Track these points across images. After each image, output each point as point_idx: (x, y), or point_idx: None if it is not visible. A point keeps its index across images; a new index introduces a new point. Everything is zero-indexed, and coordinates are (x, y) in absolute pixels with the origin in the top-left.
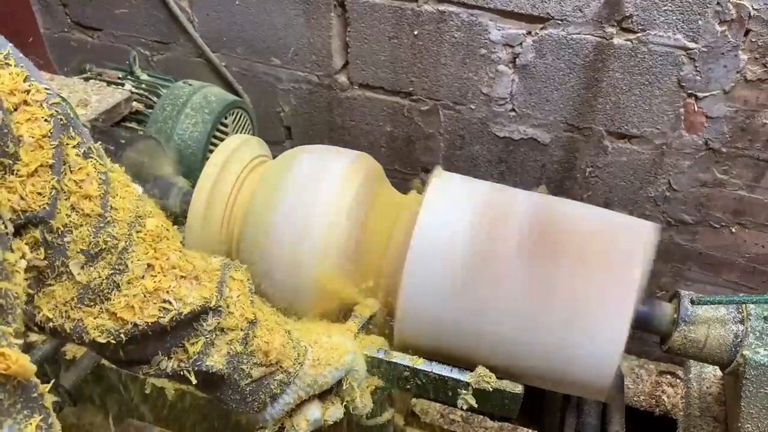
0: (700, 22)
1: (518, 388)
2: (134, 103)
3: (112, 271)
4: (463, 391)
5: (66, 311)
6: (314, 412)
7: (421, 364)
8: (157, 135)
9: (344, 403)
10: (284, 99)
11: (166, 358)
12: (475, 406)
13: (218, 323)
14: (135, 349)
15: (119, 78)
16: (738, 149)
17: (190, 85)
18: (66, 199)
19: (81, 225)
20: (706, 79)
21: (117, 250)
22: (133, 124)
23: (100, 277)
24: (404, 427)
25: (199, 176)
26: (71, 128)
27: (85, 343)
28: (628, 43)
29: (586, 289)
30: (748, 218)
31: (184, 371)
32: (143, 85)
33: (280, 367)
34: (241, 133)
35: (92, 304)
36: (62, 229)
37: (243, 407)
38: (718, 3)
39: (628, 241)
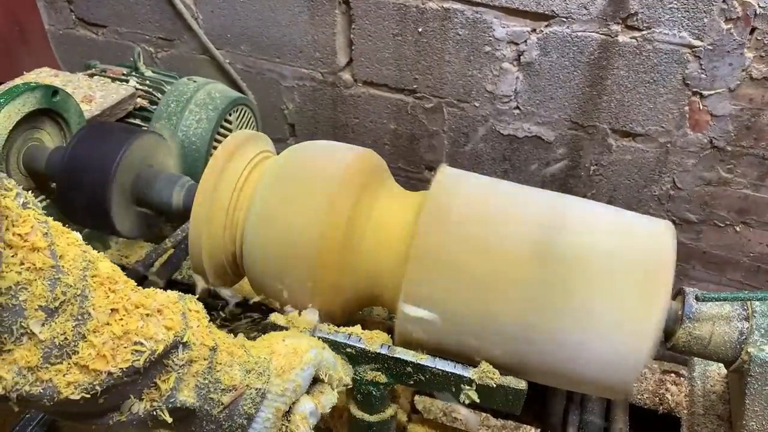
0: (705, 19)
1: (522, 385)
2: (138, 100)
3: (76, 322)
4: (466, 387)
5: (32, 374)
6: (307, 405)
7: (424, 359)
8: (161, 131)
9: (336, 388)
10: (288, 96)
11: (138, 400)
12: (477, 401)
13: (188, 356)
14: (108, 399)
15: (124, 74)
16: (743, 148)
17: (195, 81)
18: (13, 256)
19: (35, 280)
20: (711, 78)
21: (76, 299)
22: (138, 121)
23: (64, 331)
24: (407, 424)
25: (203, 171)
26: (4, 180)
27: (55, 403)
28: (633, 40)
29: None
30: (753, 217)
31: (157, 410)
32: (147, 82)
33: (248, 386)
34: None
35: (60, 360)
36: (14, 288)
37: None
38: (723, 1)
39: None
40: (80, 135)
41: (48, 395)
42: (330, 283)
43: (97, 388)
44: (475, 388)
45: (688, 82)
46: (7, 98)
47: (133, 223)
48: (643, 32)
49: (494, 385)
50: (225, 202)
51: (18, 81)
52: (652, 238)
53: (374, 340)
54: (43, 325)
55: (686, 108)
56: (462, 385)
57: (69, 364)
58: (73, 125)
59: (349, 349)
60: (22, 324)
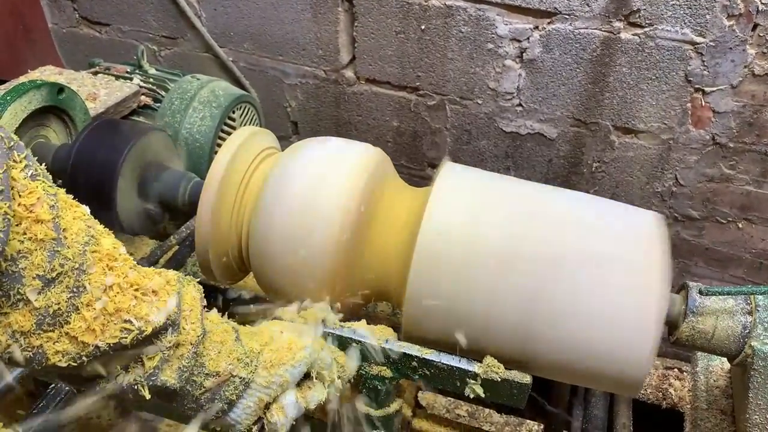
0: (707, 16)
1: (526, 378)
2: (142, 97)
3: (71, 294)
4: (471, 381)
5: (25, 338)
6: (288, 396)
7: (429, 354)
8: (164, 128)
9: (326, 387)
10: (291, 94)
11: (124, 372)
12: (482, 395)
13: (176, 339)
14: (94, 367)
15: (127, 72)
16: (745, 144)
17: (198, 79)
18: (17, 225)
19: (35, 250)
20: (713, 74)
21: (74, 272)
22: (142, 118)
23: (58, 301)
24: (411, 418)
25: (207, 168)
26: (16, 152)
27: (44, 367)
28: (636, 37)
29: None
30: (755, 213)
31: (138, 385)
32: (151, 80)
33: (232, 374)
34: None
35: (51, 329)
36: (16, 255)
37: (201, 415)
38: None
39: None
40: (86, 132)
41: (37, 360)
42: (335, 279)
43: (84, 358)
44: (480, 382)
45: (691, 78)
46: (14, 96)
47: (139, 219)
48: (646, 29)
49: (499, 379)
50: (231, 197)
51: (23, 79)
52: (642, 233)
53: (380, 335)
54: (39, 293)
55: (688, 105)
56: (467, 380)
57: (60, 333)
58: (79, 122)
59: (354, 344)
60: (20, 290)
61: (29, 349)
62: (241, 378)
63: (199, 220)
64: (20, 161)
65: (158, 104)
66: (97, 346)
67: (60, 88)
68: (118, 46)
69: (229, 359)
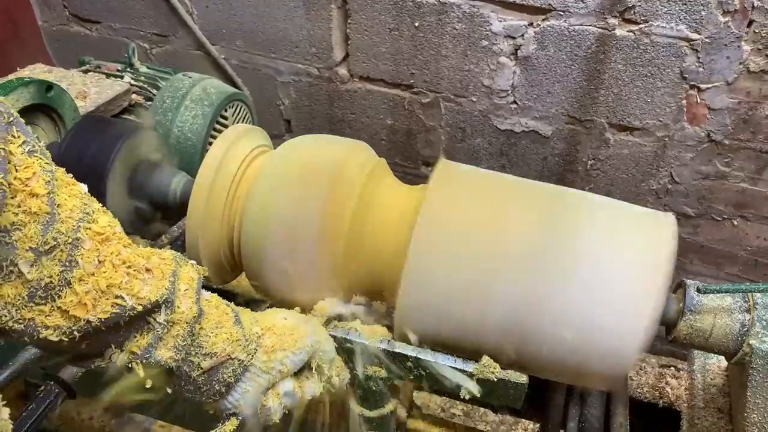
0: (702, 12)
1: (523, 378)
2: (133, 96)
3: (63, 268)
4: (468, 382)
5: (16, 311)
6: (286, 384)
7: (424, 354)
8: (156, 127)
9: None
10: (284, 92)
11: (119, 350)
12: (478, 395)
13: (171, 317)
14: (88, 345)
15: (118, 70)
16: (740, 141)
17: (190, 77)
18: (12, 198)
19: (29, 223)
20: (708, 71)
21: (67, 246)
22: (133, 117)
23: (50, 274)
24: (406, 419)
25: (199, 166)
26: (14, 127)
27: (37, 341)
28: (631, 34)
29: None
30: (750, 211)
31: (133, 363)
32: (142, 78)
33: (230, 357)
34: None
35: (43, 302)
36: (9, 227)
37: (199, 397)
38: None
39: (654, 235)
40: (75, 130)
41: (29, 333)
42: (329, 279)
43: (75, 333)
44: (475, 382)
45: (686, 75)
46: (1, 93)
47: (130, 219)
48: (641, 25)
49: (495, 379)
50: (222, 195)
51: (11, 77)
52: (655, 226)
53: (374, 335)
54: (31, 266)
55: (684, 101)
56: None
57: (52, 306)
58: (68, 121)
59: (348, 344)
60: (13, 261)
61: (21, 321)
62: (239, 360)
63: (189, 219)
64: (18, 137)
65: (149, 102)
66: (88, 321)
67: (48, 86)
68: (109, 43)
69: (228, 341)
